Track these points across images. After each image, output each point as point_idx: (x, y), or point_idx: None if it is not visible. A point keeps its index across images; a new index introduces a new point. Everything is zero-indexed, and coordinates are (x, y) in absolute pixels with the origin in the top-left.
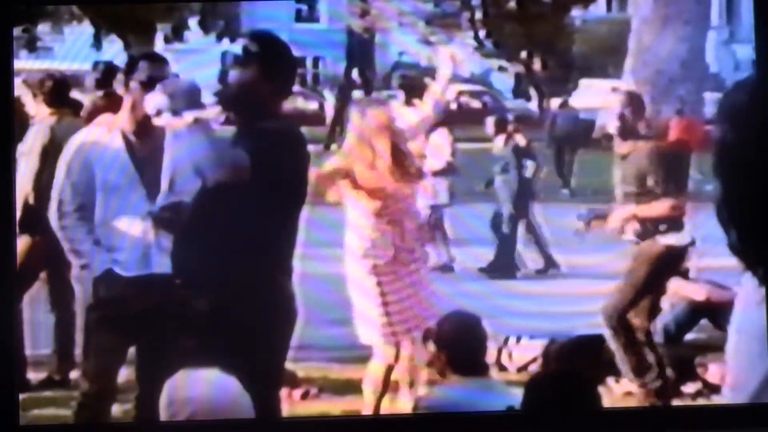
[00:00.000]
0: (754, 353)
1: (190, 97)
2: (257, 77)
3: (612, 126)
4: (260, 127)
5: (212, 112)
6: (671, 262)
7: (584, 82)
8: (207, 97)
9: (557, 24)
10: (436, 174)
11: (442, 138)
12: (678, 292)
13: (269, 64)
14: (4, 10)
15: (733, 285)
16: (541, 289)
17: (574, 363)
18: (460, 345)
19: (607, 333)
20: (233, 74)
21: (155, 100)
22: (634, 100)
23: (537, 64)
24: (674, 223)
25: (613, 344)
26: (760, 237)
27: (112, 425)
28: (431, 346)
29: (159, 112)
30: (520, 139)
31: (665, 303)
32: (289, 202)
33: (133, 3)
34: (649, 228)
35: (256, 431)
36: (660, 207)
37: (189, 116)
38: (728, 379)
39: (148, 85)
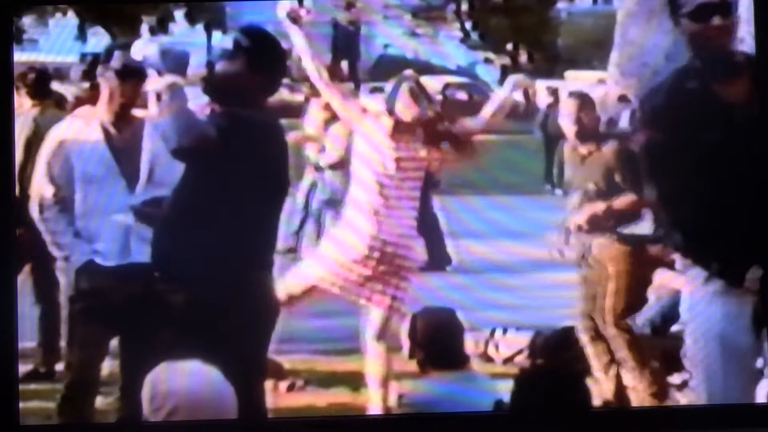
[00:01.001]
0: (709, 349)
1: (177, 62)
2: (245, 70)
3: (571, 131)
4: (238, 113)
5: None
6: (642, 252)
7: (570, 75)
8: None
9: (543, 16)
10: (331, 167)
11: (339, 131)
12: (664, 283)
13: (258, 59)
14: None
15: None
16: (528, 281)
17: (560, 355)
18: (435, 340)
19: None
20: (221, 65)
21: (146, 48)
22: (586, 102)
23: (523, 56)
24: (634, 215)
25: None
26: (707, 234)
27: (112, 425)
28: (408, 343)
29: (144, 60)
30: None
31: (651, 295)
32: (269, 194)
33: (131, 3)
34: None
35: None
36: (626, 201)
37: (167, 79)
38: (688, 376)
39: (123, 75)
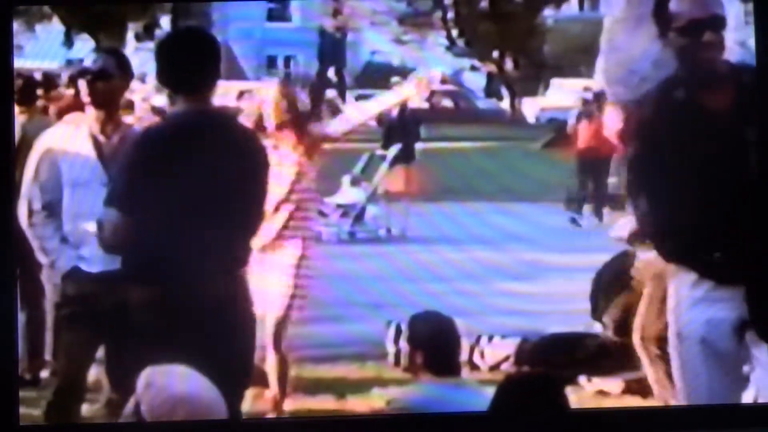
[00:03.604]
0: (692, 354)
1: None
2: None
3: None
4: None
5: None
6: None
7: (556, 82)
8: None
9: (529, 23)
10: None
11: None
12: None
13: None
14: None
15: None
16: (516, 287)
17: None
18: (436, 345)
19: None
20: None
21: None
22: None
23: (509, 64)
24: None
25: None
26: (693, 239)
27: (113, 425)
28: (405, 346)
29: None
30: None
31: None
32: (234, 192)
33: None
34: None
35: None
36: None
37: None
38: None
39: (96, 79)
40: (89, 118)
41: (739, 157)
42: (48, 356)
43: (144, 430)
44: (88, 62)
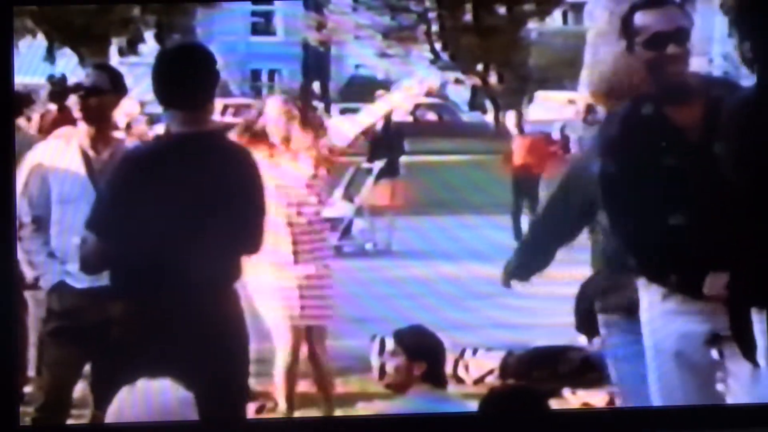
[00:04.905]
0: (666, 368)
1: None
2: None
3: None
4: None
5: None
6: None
7: (540, 95)
8: None
9: (513, 37)
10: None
11: None
12: None
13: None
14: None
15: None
16: (501, 300)
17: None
18: (434, 356)
19: None
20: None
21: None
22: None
23: (493, 77)
24: None
25: None
26: (659, 254)
27: (113, 426)
28: (402, 358)
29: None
30: None
31: None
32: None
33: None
34: None
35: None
36: None
37: None
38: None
39: (89, 95)
40: (80, 134)
41: (708, 173)
42: (31, 372)
43: (143, 430)
44: (76, 78)
